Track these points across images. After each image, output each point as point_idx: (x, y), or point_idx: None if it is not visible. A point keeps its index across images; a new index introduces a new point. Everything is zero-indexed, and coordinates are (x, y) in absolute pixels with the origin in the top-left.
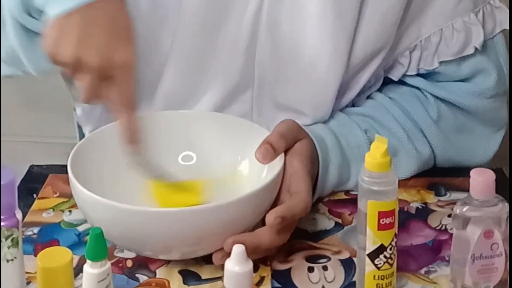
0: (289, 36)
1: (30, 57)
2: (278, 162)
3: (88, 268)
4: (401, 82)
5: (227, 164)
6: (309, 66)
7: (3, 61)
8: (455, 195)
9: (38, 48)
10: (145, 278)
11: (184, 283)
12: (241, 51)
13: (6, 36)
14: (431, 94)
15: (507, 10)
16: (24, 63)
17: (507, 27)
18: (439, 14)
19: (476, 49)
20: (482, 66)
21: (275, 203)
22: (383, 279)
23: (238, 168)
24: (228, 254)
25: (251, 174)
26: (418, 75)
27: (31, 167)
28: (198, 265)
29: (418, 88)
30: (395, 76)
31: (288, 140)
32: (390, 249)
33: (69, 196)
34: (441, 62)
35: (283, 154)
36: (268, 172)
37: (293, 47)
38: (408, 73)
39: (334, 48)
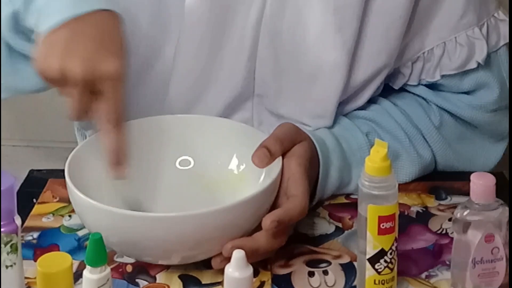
0: (289, 48)
1: (7, 76)
2: (276, 165)
3: (88, 274)
4: (404, 89)
5: (224, 168)
6: (309, 79)
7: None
8: (455, 199)
9: (20, 70)
10: (145, 283)
11: None
12: (242, 62)
13: None
14: (433, 103)
15: None
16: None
17: None
18: (443, 27)
19: (478, 63)
20: (484, 81)
21: (273, 207)
22: (383, 284)
23: (235, 172)
24: (227, 259)
25: (249, 178)
26: (421, 84)
27: (31, 171)
28: (198, 270)
29: (420, 96)
30: (395, 85)
31: (285, 144)
32: (391, 254)
33: (69, 201)
34: (442, 76)
35: (280, 158)
36: (266, 176)
37: (293, 59)
38: (409, 83)
39: (334, 62)
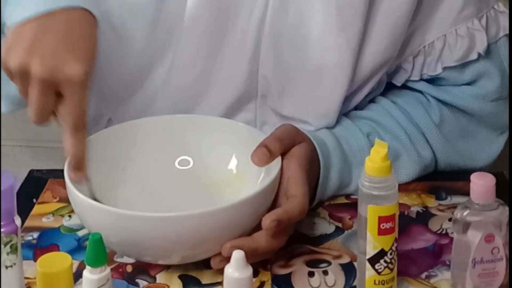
0: (292, 48)
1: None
2: (276, 165)
3: (88, 274)
4: (404, 86)
5: (224, 168)
6: (312, 78)
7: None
8: (455, 199)
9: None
10: (145, 283)
11: None
12: (245, 63)
13: None
14: (434, 97)
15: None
16: None
17: None
18: (443, 20)
19: (479, 54)
20: (485, 70)
21: (273, 207)
22: (383, 284)
23: (235, 172)
24: (226, 259)
25: (248, 178)
26: (421, 79)
27: (31, 171)
28: (198, 270)
29: (421, 92)
30: (398, 81)
31: (285, 143)
32: (391, 254)
33: (69, 201)
34: (444, 68)
35: (280, 157)
36: (265, 176)
37: (297, 59)
38: (411, 79)
39: (338, 62)
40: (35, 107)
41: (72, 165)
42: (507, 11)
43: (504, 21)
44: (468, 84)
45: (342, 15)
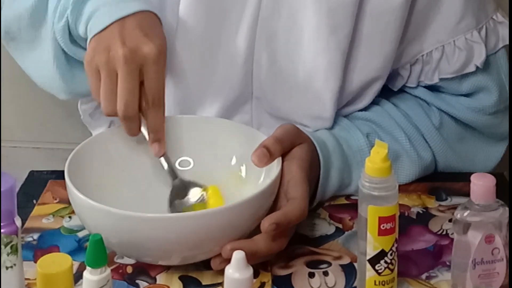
0: (285, 50)
1: (67, 80)
2: (276, 167)
3: (88, 275)
4: (404, 90)
5: (224, 169)
6: (305, 80)
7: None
8: (456, 200)
9: (77, 75)
10: (145, 284)
11: None
12: (239, 65)
13: (44, 63)
14: (432, 105)
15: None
16: (59, 86)
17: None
18: (441, 30)
19: (477, 67)
20: (483, 84)
21: (273, 208)
22: (384, 285)
23: (235, 173)
24: (227, 260)
25: (249, 179)
26: (420, 86)
27: (31, 172)
28: (199, 271)
29: (419, 98)
30: (394, 86)
31: (285, 144)
32: (391, 255)
33: (69, 202)
34: (441, 79)
35: (280, 159)
36: (265, 177)
37: (289, 61)
38: (408, 85)
39: (329, 63)
40: (124, 93)
41: (151, 138)
42: (507, 21)
43: (503, 31)
44: (466, 95)
45: (333, 16)
